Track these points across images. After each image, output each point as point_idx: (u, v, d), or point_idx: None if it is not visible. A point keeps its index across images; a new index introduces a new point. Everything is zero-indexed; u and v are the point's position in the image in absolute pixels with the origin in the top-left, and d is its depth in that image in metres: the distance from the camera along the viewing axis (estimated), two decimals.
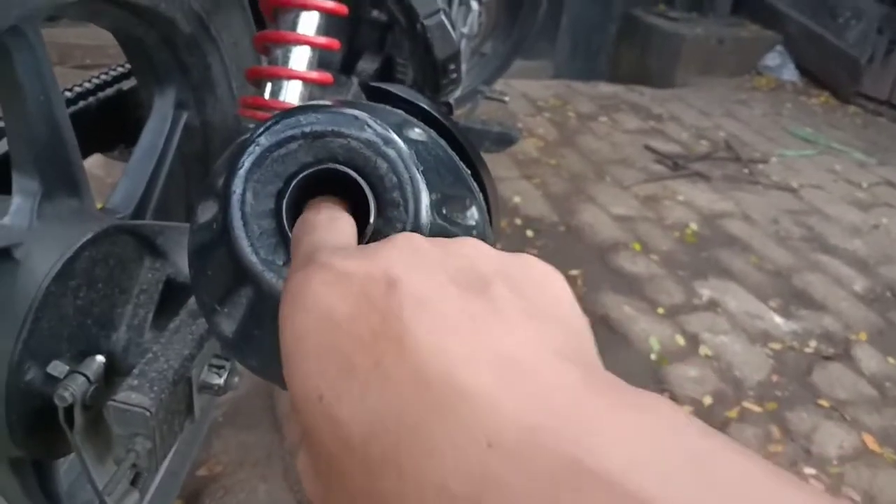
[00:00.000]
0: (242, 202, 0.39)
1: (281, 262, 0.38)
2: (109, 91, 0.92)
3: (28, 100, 0.59)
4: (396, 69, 1.12)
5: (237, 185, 0.39)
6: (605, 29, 3.95)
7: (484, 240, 0.44)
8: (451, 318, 0.23)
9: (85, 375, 0.63)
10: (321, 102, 0.42)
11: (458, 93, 1.19)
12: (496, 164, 2.40)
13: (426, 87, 0.99)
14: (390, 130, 0.39)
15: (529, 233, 2.08)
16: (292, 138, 0.39)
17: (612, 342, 1.65)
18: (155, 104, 0.81)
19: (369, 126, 0.39)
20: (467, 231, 0.42)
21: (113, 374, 0.66)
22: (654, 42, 3.85)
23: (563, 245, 2.04)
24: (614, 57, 3.99)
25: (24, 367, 0.60)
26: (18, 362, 0.59)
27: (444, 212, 0.40)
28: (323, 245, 0.30)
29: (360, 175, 0.39)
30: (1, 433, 0.60)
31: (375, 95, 0.55)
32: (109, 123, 0.91)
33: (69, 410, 0.61)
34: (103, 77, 0.90)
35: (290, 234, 0.39)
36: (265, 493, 1.16)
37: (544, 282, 0.27)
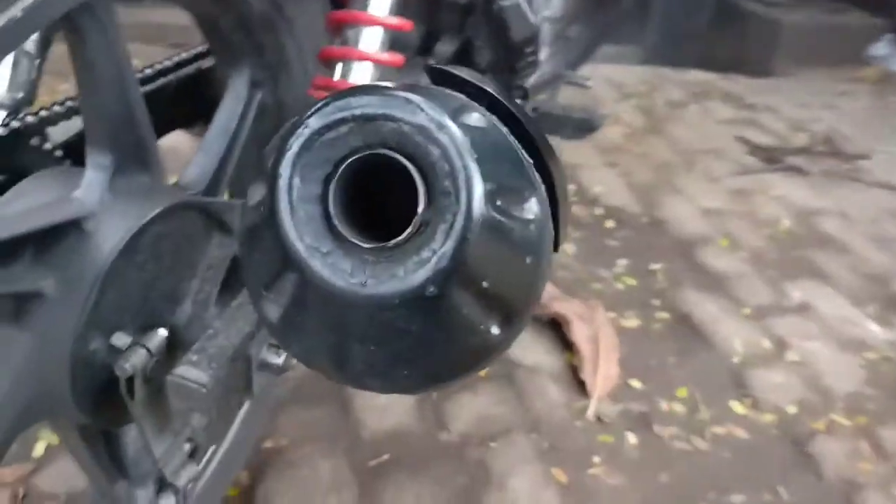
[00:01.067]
0: (290, 186, 0.38)
1: (326, 250, 0.37)
2: (189, 69, 0.93)
3: (101, 77, 0.60)
4: (475, 52, 1.09)
5: (285, 169, 0.38)
6: (699, 13, 3.79)
7: (542, 236, 0.42)
8: None
9: (147, 348, 0.64)
10: (375, 84, 0.41)
11: (535, 76, 1.15)
12: (577, 151, 2.35)
13: (501, 70, 0.96)
14: (445, 115, 0.37)
15: (610, 223, 2.03)
16: (342, 121, 0.37)
17: (692, 343, 1.58)
18: (230, 83, 0.82)
19: (422, 110, 0.37)
20: (524, 225, 0.40)
21: (175, 348, 0.67)
22: (751, 28, 3.67)
23: (645, 238, 1.98)
24: (708, 43, 3.82)
25: (89, 337, 0.61)
26: (83, 332, 0.61)
27: (499, 203, 0.38)
28: None
29: (410, 161, 0.37)
30: (67, 401, 0.62)
31: (440, 78, 0.53)
32: (189, 101, 0.93)
33: (130, 381, 0.63)
34: (183, 55, 0.92)
35: (335, 222, 0.38)
36: (328, 471, 1.17)
37: None
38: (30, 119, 0.71)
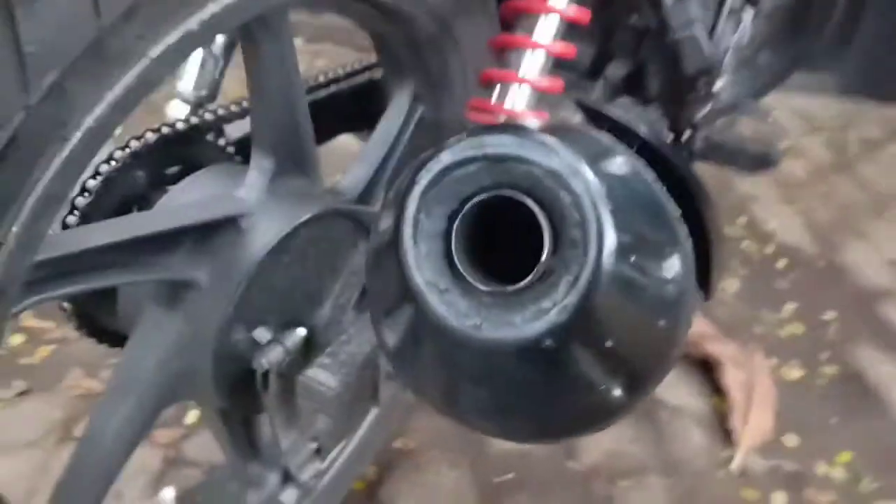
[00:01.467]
0: (415, 219, 0.38)
1: (444, 287, 0.37)
2: (361, 78, 0.97)
3: (270, 85, 0.63)
4: (646, 78, 1.05)
5: (412, 201, 0.38)
6: None
7: (681, 297, 0.39)
8: None
9: (284, 346, 0.67)
10: (512, 124, 0.40)
11: (710, 105, 1.09)
12: (753, 183, 2.20)
13: (671, 100, 0.92)
14: (582, 160, 0.36)
15: (781, 263, 1.88)
16: (473, 159, 0.37)
17: (861, 404, 1.43)
18: (393, 96, 0.84)
19: (557, 154, 0.36)
20: (661, 284, 0.37)
21: (311, 348, 0.70)
22: None
23: (819, 283, 1.82)
24: None
25: (233, 328, 0.65)
26: (229, 323, 0.64)
27: (633, 259, 0.35)
28: None
29: (539, 206, 0.36)
30: (208, 384, 0.66)
31: (590, 115, 0.51)
32: (358, 108, 0.96)
33: (266, 375, 0.66)
34: (356, 65, 0.96)
35: (456, 260, 0.37)
36: (452, 479, 1.17)
37: None
38: (208, 116, 0.77)
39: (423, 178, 0.38)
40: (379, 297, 0.43)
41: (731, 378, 1.41)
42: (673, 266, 0.39)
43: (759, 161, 1.37)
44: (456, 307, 0.36)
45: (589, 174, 0.36)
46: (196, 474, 1.06)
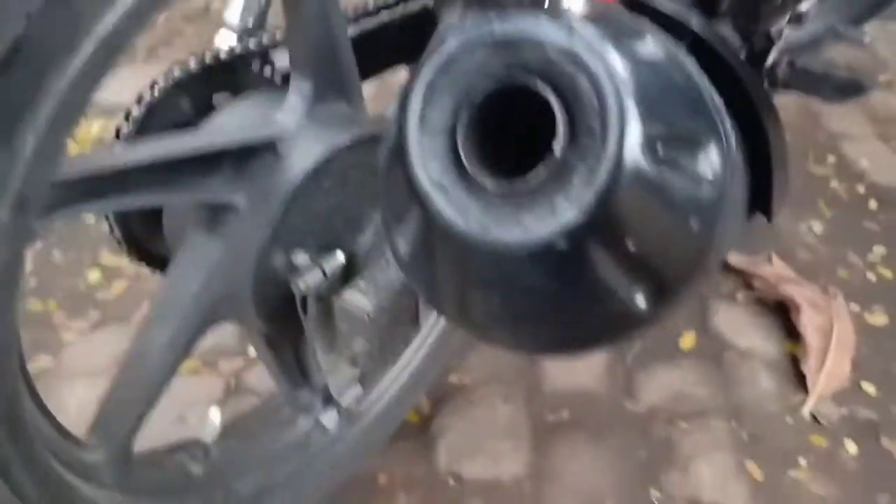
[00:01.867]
0: (420, 115, 0.35)
1: (450, 187, 0.34)
2: (414, 6, 0.94)
3: (304, 4, 0.61)
4: None
5: (416, 95, 0.35)
6: None
7: (720, 197, 0.35)
8: None
9: (323, 270, 0.66)
10: (526, 5, 0.37)
11: (797, 30, 1.01)
12: (843, 117, 2.06)
13: (741, 13, 0.85)
14: (604, 41, 0.32)
15: (873, 204, 1.76)
16: (481, 44, 0.34)
17: None
18: (442, 20, 0.81)
19: (575, 33, 0.32)
20: (695, 182, 0.34)
21: (351, 273, 0.69)
22: None
23: None
24: None
25: (272, 252, 0.65)
26: (268, 247, 0.64)
27: (662, 152, 0.32)
28: None
29: (554, 91, 0.33)
30: (249, 307, 0.67)
31: (635, 8, 0.47)
32: (412, 38, 0.93)
33: (305, 299, 0.66)
34: None
35: (463, 158, 0.35)
36: (504, 414, 1.17)
37: None
38: (252, 46, 0.76)
39: (428, 69, 0.35)
40: (389, 204, 0.41)
41: (808, 321, 1.34)
42: (710, 162, 0.35)
43: (848, 87, 1.27)
44: (462, 207, 0.34)
45: (612, 55, 0.32)
46: (255, 402, 1.09)
